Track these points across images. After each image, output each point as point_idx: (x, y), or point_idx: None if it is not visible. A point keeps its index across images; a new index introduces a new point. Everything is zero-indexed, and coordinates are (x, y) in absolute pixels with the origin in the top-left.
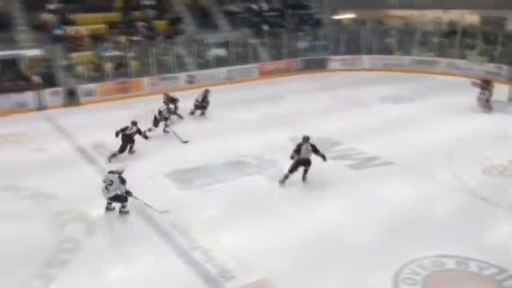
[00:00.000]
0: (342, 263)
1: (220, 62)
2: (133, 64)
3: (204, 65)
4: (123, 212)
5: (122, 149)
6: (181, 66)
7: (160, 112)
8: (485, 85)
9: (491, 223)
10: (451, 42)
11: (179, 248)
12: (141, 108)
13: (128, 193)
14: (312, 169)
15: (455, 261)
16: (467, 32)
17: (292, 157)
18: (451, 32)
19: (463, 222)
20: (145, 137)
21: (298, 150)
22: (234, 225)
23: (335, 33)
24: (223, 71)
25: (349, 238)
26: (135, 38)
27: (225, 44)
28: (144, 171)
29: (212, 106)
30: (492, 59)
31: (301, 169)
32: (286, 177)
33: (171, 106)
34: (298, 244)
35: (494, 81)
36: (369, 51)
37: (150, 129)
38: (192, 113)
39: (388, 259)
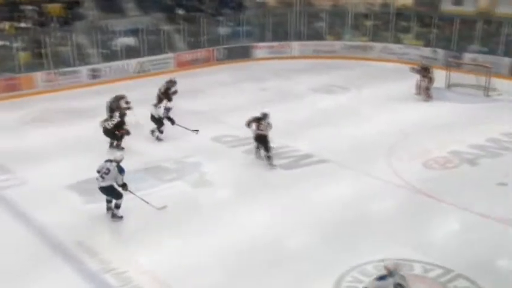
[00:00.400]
0: (277, 273)
1: (129, 52)
2: (22, 56)
3: (111, 56)
4: (116, 216)
5: (111, 144)
6: (83, 59)
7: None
8: (425, 72)
9: (435, 220)
10: (385, 25)
11: (87, 272)
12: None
13: (124, 186)
14: (239, 172)
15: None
16: (402, 13)
17: (248, 124)
18: (385, 13)
19: (405, 221)
20: (127, 133)
21: (258, 122)
22: (153, 241)
23: (260, 18)
24: (133, 63)
25: (284, 246)
26: (22, 25)
27: (134, 32)
28: (43, 182)
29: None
30: (428, 43)
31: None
32: (257, 151)
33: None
34: (228, 257)
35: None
36: (298, 37)
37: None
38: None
39: (327, 266)
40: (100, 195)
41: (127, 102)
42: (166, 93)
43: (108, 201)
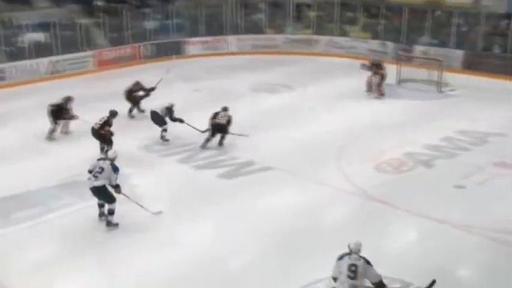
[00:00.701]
0: None
1: (39, 50)
2: None
3: (17, 55)
4: (111, 224)
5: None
6: None
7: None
8: (377, 68)
9: (390, 228)
10: (330, 16)
11: None
12: None
13: (117, 187)
14: (174, 184)
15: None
16: (347, 3)
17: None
18: (329, 3)
19: (359, 230)
20: (111, 134)
21: (214, 116)
22: (73, 268)
23: (191, 9)
24: (44, 62)
25: (228, 264)
26: None
27: (44, 26)
28: None
29: (33, 110)
30: (376, 35)
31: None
32: (207, 140)
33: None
34: (163, 282)
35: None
36: (235, 31)
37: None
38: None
39: (276, 285)
40: None
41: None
42: (131, 97)
43: (100, 206)
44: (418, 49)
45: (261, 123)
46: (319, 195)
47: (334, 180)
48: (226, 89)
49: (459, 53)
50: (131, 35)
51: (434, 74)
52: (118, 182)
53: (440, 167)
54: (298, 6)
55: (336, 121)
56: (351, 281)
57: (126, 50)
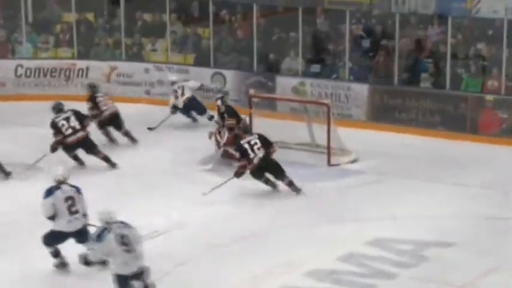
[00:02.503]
0: None
1: None
2: None
3: None
4: (91, 263)
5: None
6: None
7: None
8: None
9: None
10: None
11: None
12: None
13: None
14: None
15: None
16: None
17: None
18: None
19: None
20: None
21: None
22: None
23: None
24: None
25: None
26: None
27: None
28: None
29: None
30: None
31: None
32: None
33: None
34: None
35: None
36: None
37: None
38: None
39: None
40: None
41: None
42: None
43: (55, 252)
44: (285, 83)
45: None
46: None
47: None
48: None
49: (361, 90)
50: None
51: (320, 132)
52: None
53: None
54: None
55: None
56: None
57: None
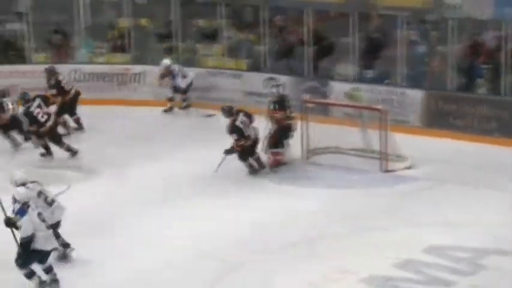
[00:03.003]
0: None
1: None
2: None
3: None
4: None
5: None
6: None
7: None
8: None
9: None
10: None
11: None
12: None
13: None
14: None
15: None
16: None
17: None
18: None
19: None
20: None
21: None
22: None
23: None
24: None
25: None
26: None
27: None
28: None
29: None
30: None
31: None
32: None
33: None
34: None
35: None
36: None
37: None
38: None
39: None
40: None
41: None
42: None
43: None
44: (338, 89)
45: None
46: None
47: None
48: None
49: (416, 96)
50: None
51: (373, 138)
52: None
53: None
54: None
55: None
56: None
57: None
